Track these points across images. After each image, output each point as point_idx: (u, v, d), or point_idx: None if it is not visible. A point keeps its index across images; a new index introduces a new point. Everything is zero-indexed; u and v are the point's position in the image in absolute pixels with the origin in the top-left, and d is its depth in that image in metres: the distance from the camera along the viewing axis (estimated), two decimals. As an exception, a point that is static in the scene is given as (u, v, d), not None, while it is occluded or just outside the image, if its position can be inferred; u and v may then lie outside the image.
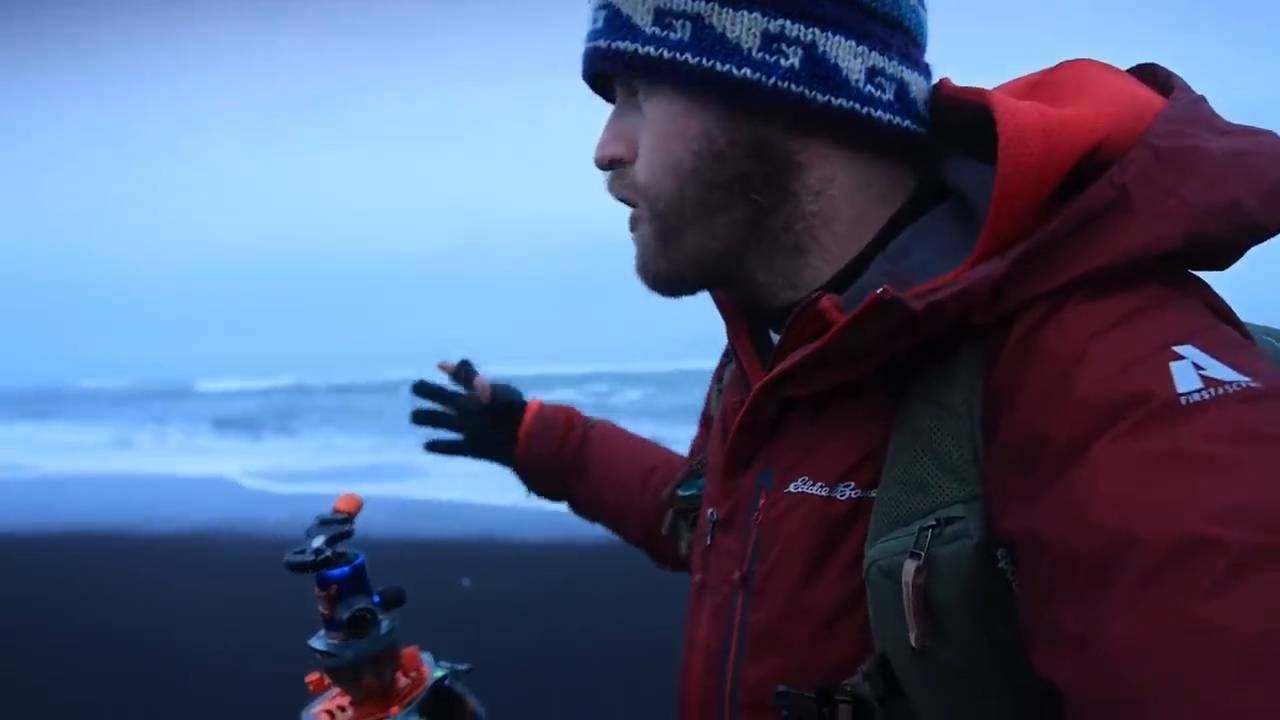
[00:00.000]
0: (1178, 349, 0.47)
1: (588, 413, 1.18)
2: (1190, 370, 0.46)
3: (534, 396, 1.16)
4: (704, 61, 0.61)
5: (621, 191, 0.68)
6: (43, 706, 3.54)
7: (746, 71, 0.61)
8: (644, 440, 1.17)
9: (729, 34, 0.61)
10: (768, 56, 0.61)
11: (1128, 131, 0.54)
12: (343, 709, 0.80)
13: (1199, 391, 0.45)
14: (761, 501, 0.65)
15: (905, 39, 0.64)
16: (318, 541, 0.77)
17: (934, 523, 0.51)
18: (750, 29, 0.61)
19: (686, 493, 0.85)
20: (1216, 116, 0.57)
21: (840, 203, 0.64)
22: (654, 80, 0.63)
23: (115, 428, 17.10)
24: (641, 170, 0.65)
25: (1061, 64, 0.63)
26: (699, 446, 0.98)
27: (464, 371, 1.14)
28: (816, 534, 0.59)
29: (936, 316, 0.53)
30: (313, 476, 9.68)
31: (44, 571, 5.47)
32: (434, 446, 1.14)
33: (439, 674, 0.83)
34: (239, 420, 18.58)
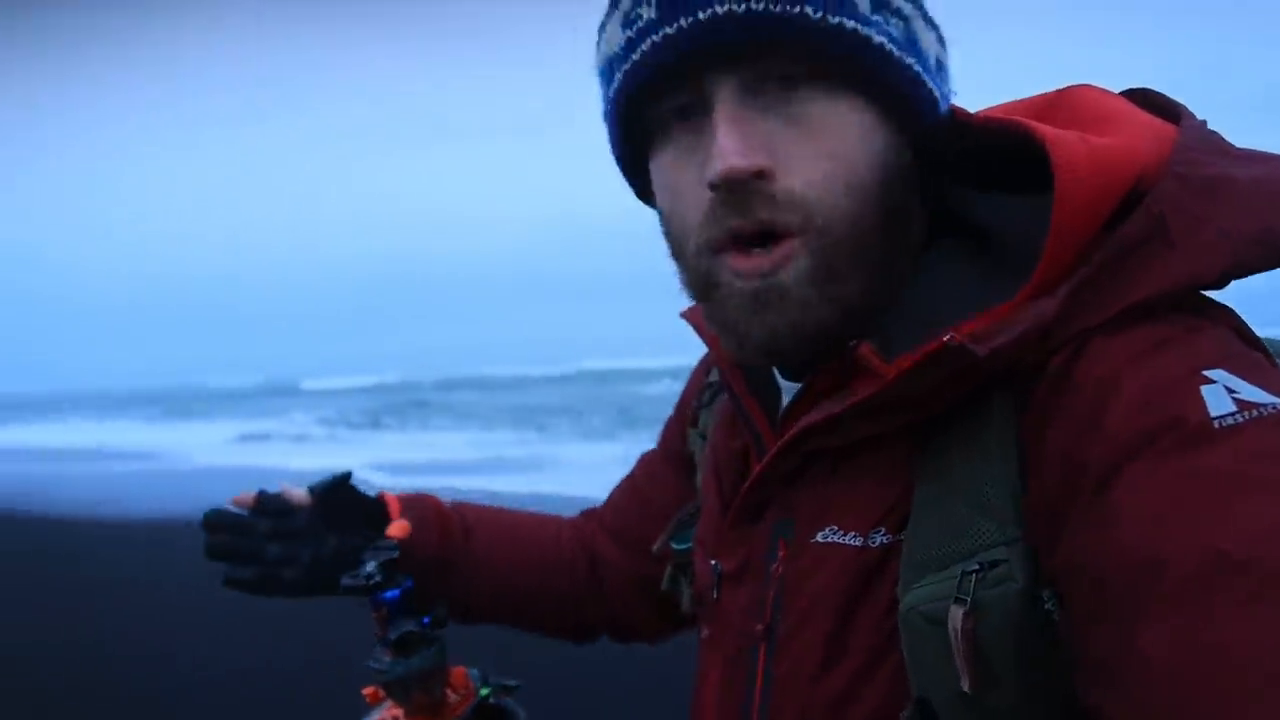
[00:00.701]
0: (1209, 373, 0.47)
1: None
2: (1223, 394, 0.46)
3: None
4: (916, 67, 0.55)
5: (772, 213, 0.54)
6: (209, 669, 3.94)
7: (936, 91, 0.57)
8: (516, 511, 1.03)
9: (923, 45, 0.56)
10: (940, 81, 0.59)
11: (1153, 159, 0.53)
12: (396, 719, 0.85)
13: (1233, 415, 0.45)
14: (781, 553, 0.63)
15: None
16: (370, 566, 0.83)
17: (977, 567, 0.50)
18: (932, 48, 0.57)
19: (682, 545, 0.80)
20: (1227, 143, 0.56)
21: (913, 244, 0.60)
22: (856, 73, 0.54)
23: (238, 424, 18.30)
24: (811, 186, 0.54)
25: (1066, 89, 0.61)
26: (639, 487, 0.94)
27: (266, 502, 0.87)
28: (850, 584, 0.57)
29: (996, 361, 0.51)
30: (432, 469, 10.10)
31: (178, 554, 5.93)
32: (236, 583, 0.85)
33: (485, 691, 0.87)
34: (349, 417, 19.56)
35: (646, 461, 0.97)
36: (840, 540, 0.59)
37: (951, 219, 0.61)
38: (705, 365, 0.89)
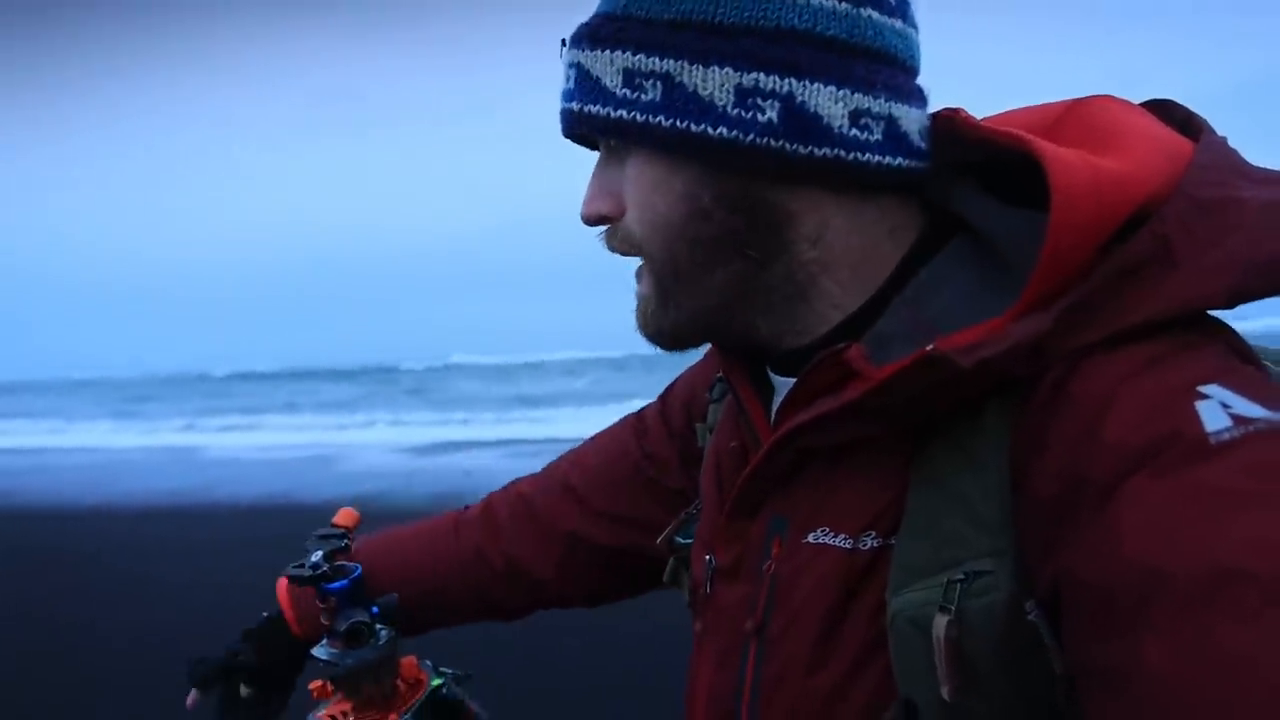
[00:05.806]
0: (1203, 389, 0.48)
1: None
2: (1218, 409, 0.47)
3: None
4: (677, 123, 0.59)
5: (620, 246, 0.67)
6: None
7: (723, 130, 0.59)
8: (418, 523, 1.05)
9: (701, 92, 0.59)
10: (743, 113, 0.59)
11: (1164, 180, 0.53)
12: (345, 714, 0.83)
13: (1228, 430, 0.46)
14: (774, 550, 0.64)
15: (892, 70, 0.61)
16: (316, 556, 0.81)
17: (962, 576, 0.51)
18: (723, 85, 0.59)
19: (687, 540, 0.81)
20: (1245, 162, 0.56)
21: (840, 247, 0.62)
22: (630, 143, 0.62)
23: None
24: (634, 225, 0.64)
25: (1083, 100, 0.61)
26: (640, 469, 0.93)
27: (202, 674, 0.94)
28: (839, 586, 0.59)
29: (983, 373, 0.52)
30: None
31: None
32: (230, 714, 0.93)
33: (436, 681, 0.86)
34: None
35: (640, 434, 0.94)
36: (831, 542, 0.60)
37: (962, 221, 0.62)
38: (715, 361, 0.88)
